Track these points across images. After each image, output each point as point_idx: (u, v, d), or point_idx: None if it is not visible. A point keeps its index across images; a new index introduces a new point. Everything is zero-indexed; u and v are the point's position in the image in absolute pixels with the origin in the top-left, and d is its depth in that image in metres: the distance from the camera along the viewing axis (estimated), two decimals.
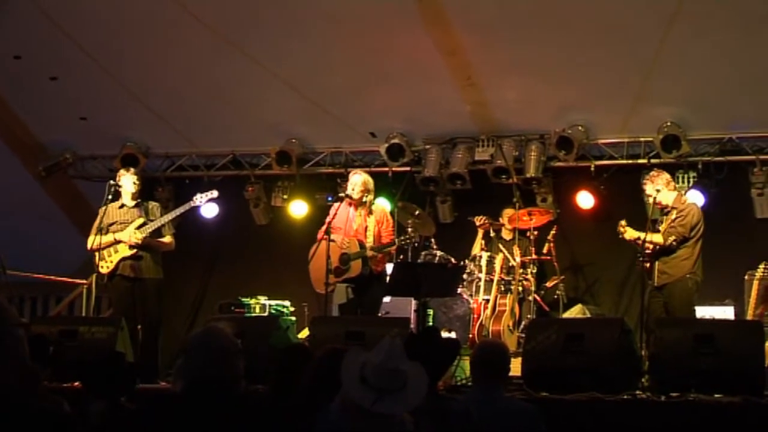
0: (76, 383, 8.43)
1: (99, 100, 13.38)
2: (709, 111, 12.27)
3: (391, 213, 12.37)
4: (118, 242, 10.75)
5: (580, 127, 12.85)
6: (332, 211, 10.75)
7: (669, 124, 12.39)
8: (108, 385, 6.01)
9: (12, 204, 14.01)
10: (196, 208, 11.54)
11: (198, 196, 11.27)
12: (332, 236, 10.35)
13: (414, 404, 4.59)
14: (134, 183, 11.01)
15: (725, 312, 11.48)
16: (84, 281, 12.49)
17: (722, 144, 12.69)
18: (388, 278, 10.77)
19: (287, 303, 12.59)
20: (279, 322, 10.29)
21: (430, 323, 11.90)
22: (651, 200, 10.81)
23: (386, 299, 11.62)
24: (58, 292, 14.57)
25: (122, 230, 10.79)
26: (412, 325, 10.14)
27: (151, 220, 10.88)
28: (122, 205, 10.98)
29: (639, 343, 9.49)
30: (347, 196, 10.63)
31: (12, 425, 4.31)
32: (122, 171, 11.23)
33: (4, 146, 13.97)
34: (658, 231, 10.69)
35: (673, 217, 10.59)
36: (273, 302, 12.42)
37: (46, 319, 13.08)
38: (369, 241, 10.60)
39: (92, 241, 10.79)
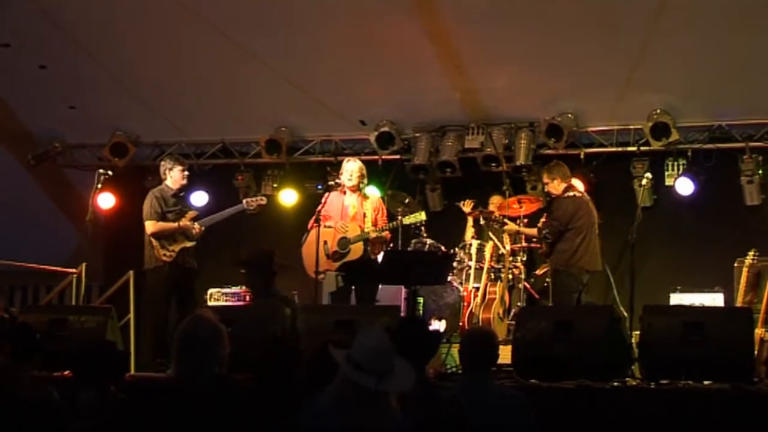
0: (66, 372, 8.42)
1: (88, 89, 13.35)
2: (699, 98, 12.29)
3: (381, 200, 12.37)
4: (182, 231, 10.77)
5: (569, 115, 12.87)
6: (327, 200, 10.73)
7: (658, 111, 12.42)
8: (98, 374, 6.01)
9: (0, 193, 13.97)
10: (245, 211, 11.43)
11: (247, 200, 11.31)
12: (328, 222, 10.35)
13: (410, 384, 4.63)
14: (186, 177, 11.03)
15: (715, 299, 11.48)
16: (74, 270, 12.44)
17: (712, 131, 12.71)
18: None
19: None
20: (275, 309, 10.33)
21: (420, 311, 11.91)
22: (545, 187, 11.61)
23: None
24: (48, 281, 14.51)
25: (175, 221, 10.80)
26: (402, 314, 10.14)
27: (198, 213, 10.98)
28: (175, 194, 10.99)
29: (629, 330, 9.52)
30: (337, 184, 10.60)
31: (1, 415, 4.32)
32: (171, 162, 11.17)
33: None
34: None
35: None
36: None
37: (35, 308, 13.04)
38: (368, 227, 10.59)
39: (153, 226, 10.79)
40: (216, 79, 12.99)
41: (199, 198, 13.45)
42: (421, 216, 11.09)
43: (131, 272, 12.69)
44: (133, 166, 14.51)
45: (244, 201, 11.30)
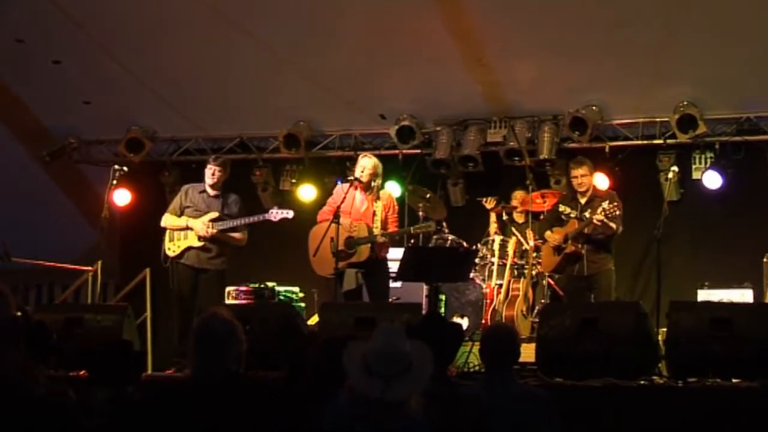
0: (82, 372, 8.47)
1: (103, 84, 13.37)
2: (727, 90, 12.23)
3: (402, 196, 12.35)
4: (189, 229, 10.82)
5: (594, 108, 12.83)
6: (338, 194, 10.71)
7: (685, 103, 12.37)
8: (114, 373, 6.04)
9: (15, 190, 14.03)
10: (268, 221, 11.33)
11: (274, 210, 11.23)
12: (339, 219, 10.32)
13: (422, 385, 4.61)
14: (213, 174, 10.97)
15: (743, 295, 11.46)
16: (90, 268, 12.51)
17: (740, 124, 12.65)
18: (392, 263, 10.75)
19: (296, 289, 12.59)
20: (289, 308, 10.32)
21: (442, 309, 11.91)
22: (582, 180, 11.26)
23: (397, 284, 11.61)
24: (64, 279, 14.60)
25: (196, 218, 10.84)
26: (423, 311, 10.13)
27: (226, 214, 10.92)
28: (203, 191, 11.03)
29: (655, 327, 9.49)
30: (356, 179, 10.59)
31: (17, 414, 4.34)
32: (210, 159, 11.20)
33: (7, 131, 13.99)
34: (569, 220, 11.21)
35: (605, 206, 10.80)
36: (282, 288, 12.42)
37: (51, 306, 13.10)
38: (376, 227, 10.54)
39: (166, 219, 10.93)
40: (233, 73, 13.00)
41: None
42: (431, 227, 11.08)
43: (147, 270, 12.75)
44: (149, 162, 14.55)
45: (270, 212, 11.22)
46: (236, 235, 10.97)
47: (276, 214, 11.10)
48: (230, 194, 11.19)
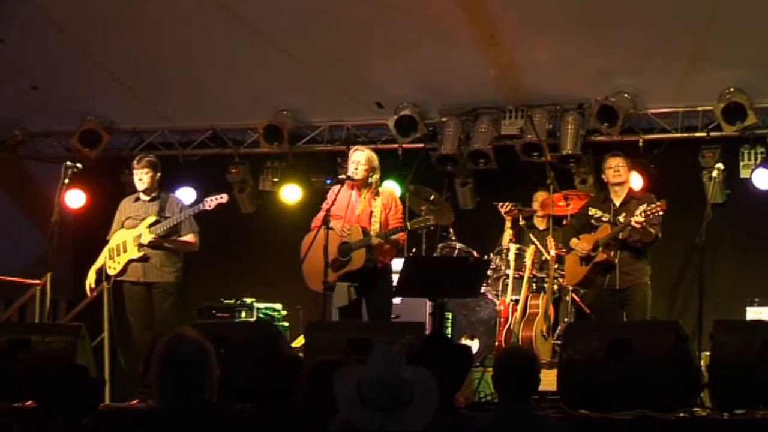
0: (29, 402, 8.47)
1: (54, 67, 13.37)
2: None
3: (402, 198, 12.35)
4: (125, 244, 10.97)
5: (626, 95, 12.85)
6: (330, 195, 10.73)
7: (732, 90, 12.38)
8: (67, 404, 6.05)
9: None
10: (205, 211, 11.37)
11: (208, 199, 11.25)
12: (330, 224, 10.29)
13: (426, 418, 4.62)
14: (140, 179, 11.13)
15: None
16: (37, 281, 12.50)
17: None
18: (397, 275, 10.72)
19: (279, 306, 12.61)
20: (271, 327, 10.34)
21: (449, 329, 11.91)
22: (620, 169, 11.15)
23: (397, 300, 11.60)
24: (6, 294, 14.58)
25: (134, 227, 10.91)
26: (427, 331, 10.13)
27: (165, 216, 10.98)
28: (137, 199, 11.19)
29: (697, 350, 9.50)
30: (348, 177, 10.59)
31: None
32: (134, 162, 11.33)
33: None
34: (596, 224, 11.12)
35: (643, 209, 10.65)
36: (262, 305, 12.44)
37: None
38: (374, 229, 10.52)
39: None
40: (205, 54, 13.00)
41: (186, 195, 13.47)
42: (430, 220, 11.04)
43: (105, 284, 12.74)
44: (106, 158, 14.57)
45: (204, 201, 11.23)
46: (184, 238, 11.08)
47: (211, 202, 11.20)
48: (170, 196, 11.27)
